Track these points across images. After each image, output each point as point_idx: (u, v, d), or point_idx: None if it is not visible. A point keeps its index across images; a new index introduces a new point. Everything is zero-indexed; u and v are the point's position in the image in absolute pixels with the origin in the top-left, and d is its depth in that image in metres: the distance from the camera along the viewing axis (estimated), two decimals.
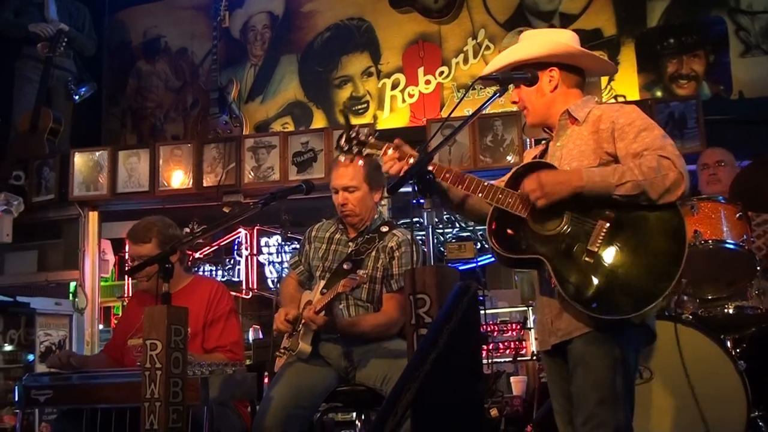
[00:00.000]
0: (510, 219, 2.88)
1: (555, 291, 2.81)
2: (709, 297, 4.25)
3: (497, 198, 2.89)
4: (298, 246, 4.26)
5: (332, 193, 3.95)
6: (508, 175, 3.18)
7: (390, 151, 3.04)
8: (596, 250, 2.75)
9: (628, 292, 2.73)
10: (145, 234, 4.04)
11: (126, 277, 8.19)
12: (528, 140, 5.93)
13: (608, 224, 2.76)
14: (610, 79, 7.15)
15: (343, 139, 3.16)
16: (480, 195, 2.93)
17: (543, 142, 3.24)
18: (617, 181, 2.72)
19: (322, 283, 3.83)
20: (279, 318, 3.77)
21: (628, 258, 2.75)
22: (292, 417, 3.56)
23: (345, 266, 3.85)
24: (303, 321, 3.71)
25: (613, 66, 3.40)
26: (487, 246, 7.23)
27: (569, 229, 2.80)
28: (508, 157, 6.10)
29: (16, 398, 3.66)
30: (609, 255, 2.75)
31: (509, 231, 2.89)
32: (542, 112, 3.08)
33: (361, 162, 3.88)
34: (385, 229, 3.95)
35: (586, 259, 2.75)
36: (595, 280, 2.73)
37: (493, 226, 2.92)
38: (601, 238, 2.75)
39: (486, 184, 2.93)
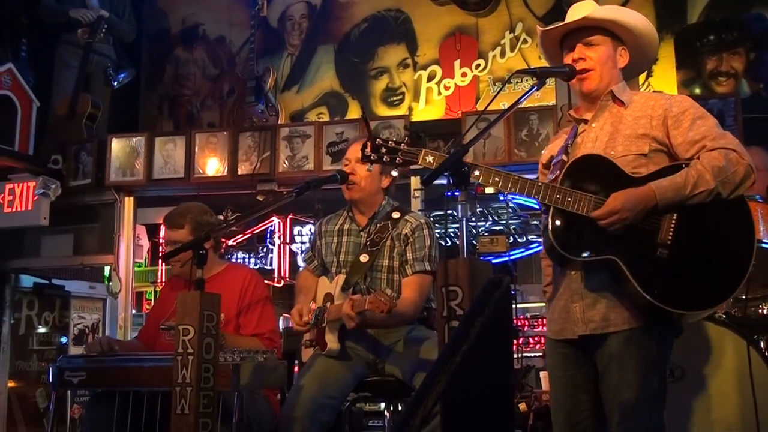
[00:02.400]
0: (571, 219, 2.78)
1: (626, 289, 2.72)
2: (743, 296, 4.21)
3: (555, 199, 2.78)
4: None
5: (343, 165, 3.90)
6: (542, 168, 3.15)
7: (429, 158, 2.86)
8: (669, 242, 2.68)
9: (707, 285, 2.69)
10: (180, 220, 4.09)
11: (159, 262, 8.27)
12: None
13: (676, 215, 2.70)
14: (648, 75, 7.09)
15: (368, 148, 2.91)
16: (535, 197, 2.82)
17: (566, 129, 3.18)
18: (690, 192, 2.67)
19: (342, 278, 3.80)
20: (294, 319, 3.77)
21: (701, 250, 2.70)
22: (320, 407, 3.56)
23: (362, 259, 3.82)
24: (328, 318, 3.71)
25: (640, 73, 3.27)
26: (521, 240, 7.23)
27: (637, 223, 2.72)
28: (544, 152, 6.05)
29: (51, 379, 3.72)
30: (683, 247, 2.69)
31: (572, 232, 2.79)
32: (606, 83, 2.97)
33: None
34: (396, 215, 3.90)
35: (661, 252, 2.69)
36: (674, 275, 2.68)
37: (554, 230, 2.81)
38: (672, 229, 2.69)
39: (540, 184, 2.82)
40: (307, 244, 7.78)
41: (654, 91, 6.91)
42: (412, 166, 2.96)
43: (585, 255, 2.77)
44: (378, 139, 2.91)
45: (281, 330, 6.81)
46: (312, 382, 3.65)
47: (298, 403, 3.55)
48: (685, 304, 2.70)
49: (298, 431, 3.48)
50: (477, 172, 2.79)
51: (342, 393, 3.73)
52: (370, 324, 3.63)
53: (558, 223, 2.80)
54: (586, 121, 3.03)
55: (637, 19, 2.98)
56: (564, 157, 2.94)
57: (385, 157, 2.89)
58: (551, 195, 2.78)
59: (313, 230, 7.69)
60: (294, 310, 3.80)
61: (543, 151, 3.34)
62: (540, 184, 2.82)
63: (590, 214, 2.73)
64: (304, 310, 3.76)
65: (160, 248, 7.93)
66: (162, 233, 4.24)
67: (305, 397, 3.57)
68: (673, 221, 2.70)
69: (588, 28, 2.97)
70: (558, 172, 2.90)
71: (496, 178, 2.82)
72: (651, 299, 2.66)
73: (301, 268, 4.36)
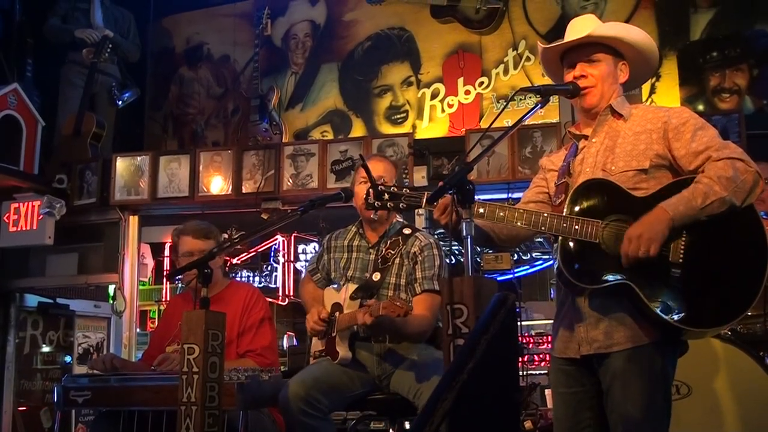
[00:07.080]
0: (580, 247, 2.76)
1: (640, 310, 2.70)
2: (750, 313, 4.18)
3: (562, 228, 2.76)
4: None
5: (358, 183, 3.90)
6: (530, 191, 3.14)
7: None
8: (680, 261, 2.66)
9: (722, 302, 2.67)
10: (209, 232, 4.17)
11: (164, 281, 8.28)
12: None
13: (685, 232, 2.68)
14: (651, 92, 7.09)
15: (371, 196, 2.92)
16: (542, 228, 2.80)
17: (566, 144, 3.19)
18: (702, 203, 2.64)
19: (351, 286, 3.79)
20: (312, 317, 3.76)
21: (714, 267, 2.68)
22: (319, 389, 3.55)
23: (374, 278, 3.81)
24: (338, 327, 3.71)
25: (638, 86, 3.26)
26: (526, 258, 7.22)
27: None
28: (543, 159, 6.05)
29: (55, 399, 3.72)
30: (695, 265, 2.66)
31: (581, 260, 2.77)
32: (606, 99, 2.97)
33: (392, 163, 3.89)
34: (407, 231, 3.91)
35: (673, 272, 2.67)
36: (688, 294, 2.66)
37: (564, 259, 2.79)
38: (682, 248, 2.67)
39: (545, 214, 2.80)
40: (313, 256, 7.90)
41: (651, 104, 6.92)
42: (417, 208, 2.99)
43: (598, 282, 2.75)
44: (380, 186, 2.93)
45: (285, 348, 6.83)
46: (317, 370, 3.67)
47: (298, 381, 3.57)
48: (701, 323, 2.69)
49: (296, 400, 3.49)
50: (482, 210, 2.80)
51: (342, 394, 3.70)
52: (385, 331, 3.64)
53: (568, 252, 2.80)
54: (586, 137, 3.03)
55: (639, 36, 2.99)
56: (567, 179, 2.95)
57: (389, 203, 2.91)
58: (558, 224, 2.77)
59: (317, 248, 7.76)
60: (312, 311, 3.78)
61: (542, 159, 3.32)
62: (546, 214, 2.81)
63: (619, 252, 2.69)
64: (323, 313, 3.75)
65: (165, 267, 7.94)
66: (184, 244, 4.19)
67: (306, 378, 3.58)
68: (683, 240, 2.68)
69: (590, 45, 2.98)
70: (562, 195, 2.91)
71: (501, 213, 2.83)
72: (669, 320, 2.65)
73: (303, 276, 4.35)
